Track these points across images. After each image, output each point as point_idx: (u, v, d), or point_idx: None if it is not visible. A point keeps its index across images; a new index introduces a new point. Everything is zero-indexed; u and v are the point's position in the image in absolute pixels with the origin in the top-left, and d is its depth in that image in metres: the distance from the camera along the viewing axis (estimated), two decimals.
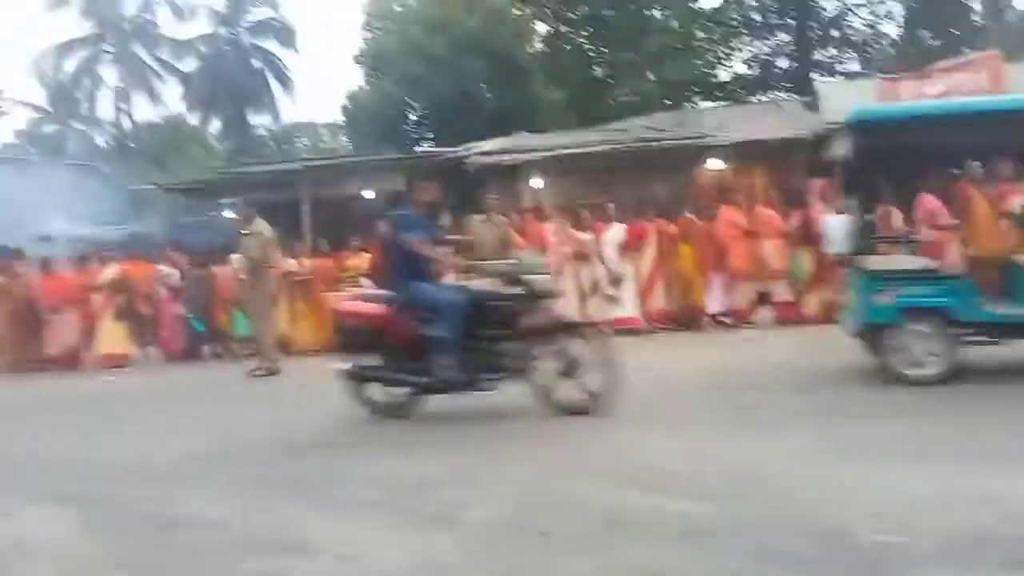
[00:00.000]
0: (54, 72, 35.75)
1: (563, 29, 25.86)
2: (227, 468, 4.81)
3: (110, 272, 11.22)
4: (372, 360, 5.83)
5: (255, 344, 9.73)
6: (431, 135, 22.95)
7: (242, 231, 9.83)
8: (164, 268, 11.38)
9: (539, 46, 25.22)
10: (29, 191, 25.99)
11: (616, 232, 10.45)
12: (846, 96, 12.02)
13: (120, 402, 8.29)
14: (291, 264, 11.14)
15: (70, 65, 35.71)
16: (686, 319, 10.54)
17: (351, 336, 5.92)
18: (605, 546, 3.18)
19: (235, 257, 10.66)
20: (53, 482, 4.68)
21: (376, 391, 5.93)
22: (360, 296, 6.63)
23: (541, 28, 25.75)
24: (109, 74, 35.87)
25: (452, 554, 3.22)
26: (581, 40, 25.83)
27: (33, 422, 7.29)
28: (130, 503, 4.16)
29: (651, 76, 23.75)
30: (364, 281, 10.57)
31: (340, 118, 27.99)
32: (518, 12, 24.14)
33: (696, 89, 24.41)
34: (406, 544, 3.35)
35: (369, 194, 15.54)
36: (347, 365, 5.84)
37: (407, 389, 5.88)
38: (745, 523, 3.30)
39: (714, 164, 13.01)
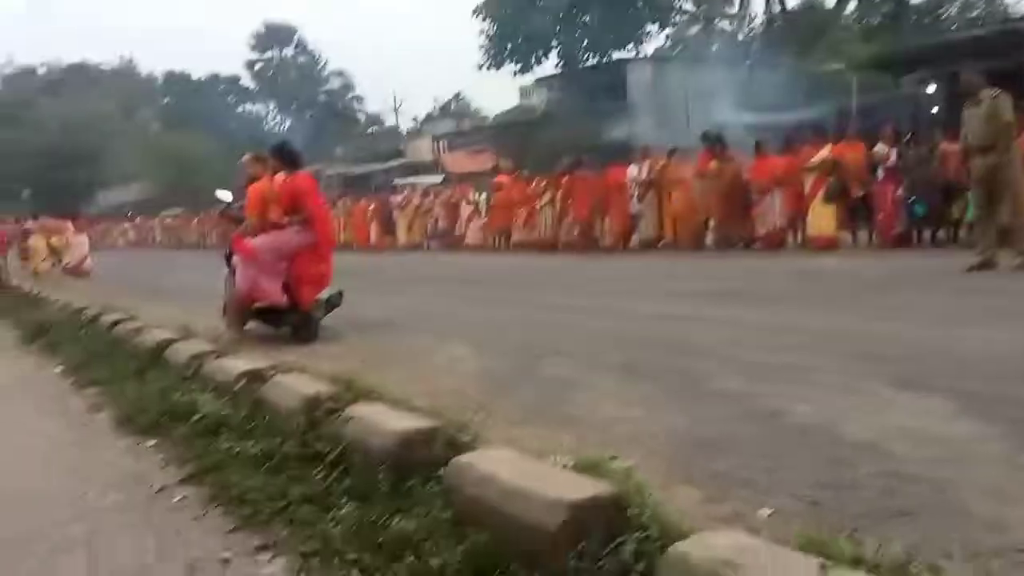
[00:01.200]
0: None
1: None
2: None
3: (821, 154, 10.86)
4: None
5: (989, 232, 8.14)
6: None
7: (967, 104, 8.29)
8: (881, 148, 10.52)
9: None
10: (695, 85, 27.95)
11: None
12: None
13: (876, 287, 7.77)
14: None
15: None
16: None
17: None
18: None
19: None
20: (912, 371, 4.14)
21: None
22: None
23: None
24: None
25: None
26: None
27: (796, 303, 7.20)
28: None
29: None
30: None
31: None
32: None
33: None
34: None
35: None
36: None
37: None
38: None
39: None
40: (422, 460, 2.65)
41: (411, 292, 9.97)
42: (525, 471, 2.25)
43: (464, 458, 2.43)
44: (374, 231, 20.77)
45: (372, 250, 19.90)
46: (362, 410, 3.06)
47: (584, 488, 2.06)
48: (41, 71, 64.01)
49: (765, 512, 2.60)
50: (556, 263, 13.17)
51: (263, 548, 2.56)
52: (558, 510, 1.96)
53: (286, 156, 6.47)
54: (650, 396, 4.06)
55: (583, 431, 3.52)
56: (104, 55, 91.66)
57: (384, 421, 2.85)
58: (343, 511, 2.54)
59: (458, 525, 2.25)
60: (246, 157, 6.96)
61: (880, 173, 10.42)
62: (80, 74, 62.56)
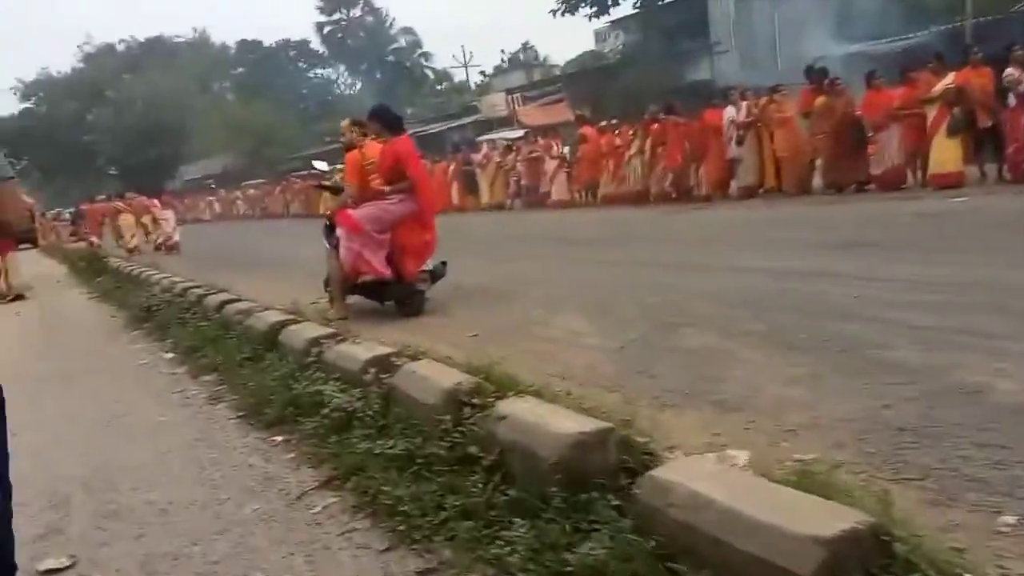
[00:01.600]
0: None
1: None
2: None
3: (944, 82, 9.93)
4: None
5: None
6: None
7: None
8: (1011, 72, 9.53)
9: None
10: (784, 14, 26.39)
11: None
12: None
13: None
14: None
15: None
16: None
17: None
18: None
19: None
20: None
21: None
22: None
23: None
24: None
25: None
26: None
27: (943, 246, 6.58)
28: None
29: None
30: None
31: None
32: None
33: None
34: None
35: None
36: None
37: None
38: None
39: None
40: (596, 468, 2.33)
41: (506, 255, 9.64)
42: (745, 491, 1.88)
43: (663, 472, 2.07)
44: (456, 192, 20.45)
45: (455, 211, 19.66)
46: (514, 407, 2.73)
47: (837, 518, 1.67)
48: (120, 48, 65.53)
49: (1009, 520, 2.19)
50: (650, 216, 12.62)
51: (425, 573, 2.29)
52: (811, 549, 1.59)
53: (388, 119, 6.17)
54: (813, 371, 3.63)
55: (750, 418, 3.14)
56: (177, 28, 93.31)
57: (545, 421, 2.52)
58: (516, 531, 2.24)
59: (663, 557, 1.91)
60: (345, 122, 6.68)
61: (1011, 100, 9.46)
62: (158, 49, 63.76)
